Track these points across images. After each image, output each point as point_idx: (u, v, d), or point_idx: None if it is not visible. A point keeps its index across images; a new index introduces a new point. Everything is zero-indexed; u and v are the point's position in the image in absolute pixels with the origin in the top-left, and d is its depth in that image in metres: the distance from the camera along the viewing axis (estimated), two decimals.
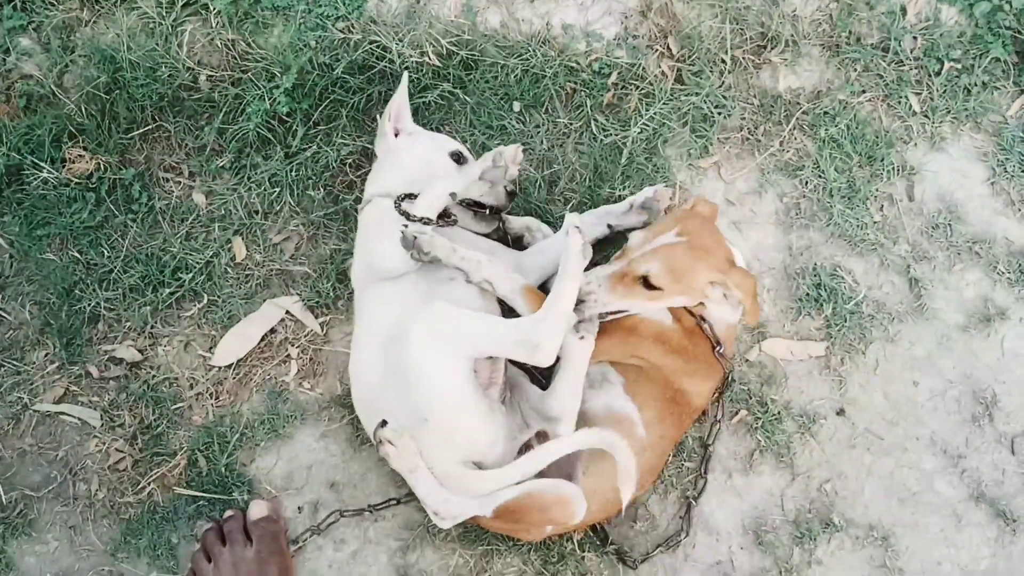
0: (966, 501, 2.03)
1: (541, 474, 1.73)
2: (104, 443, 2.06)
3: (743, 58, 2.29)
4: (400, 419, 1.70)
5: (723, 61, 2.28)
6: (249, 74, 2.22)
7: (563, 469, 1.77)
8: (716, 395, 1.98)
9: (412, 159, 1.98)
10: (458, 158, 2.00)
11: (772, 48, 2.29)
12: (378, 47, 2.22)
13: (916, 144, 2.24)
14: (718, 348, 1.86)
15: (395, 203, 1.85)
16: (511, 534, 1.87)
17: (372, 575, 1.99)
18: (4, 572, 1.99)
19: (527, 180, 2.21)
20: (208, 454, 2.05)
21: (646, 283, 1.72)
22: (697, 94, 2.24)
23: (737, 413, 2.08)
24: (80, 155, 2.18)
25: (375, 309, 1.84)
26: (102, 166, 2.18)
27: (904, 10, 2.31)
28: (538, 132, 2.24)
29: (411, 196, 1.87)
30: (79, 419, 2.08)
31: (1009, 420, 2.07)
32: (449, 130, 2.23)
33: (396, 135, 2.01)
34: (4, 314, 2.16)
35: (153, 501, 2.02)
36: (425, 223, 1.80)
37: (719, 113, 2.23)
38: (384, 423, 1.68)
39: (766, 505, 2.03)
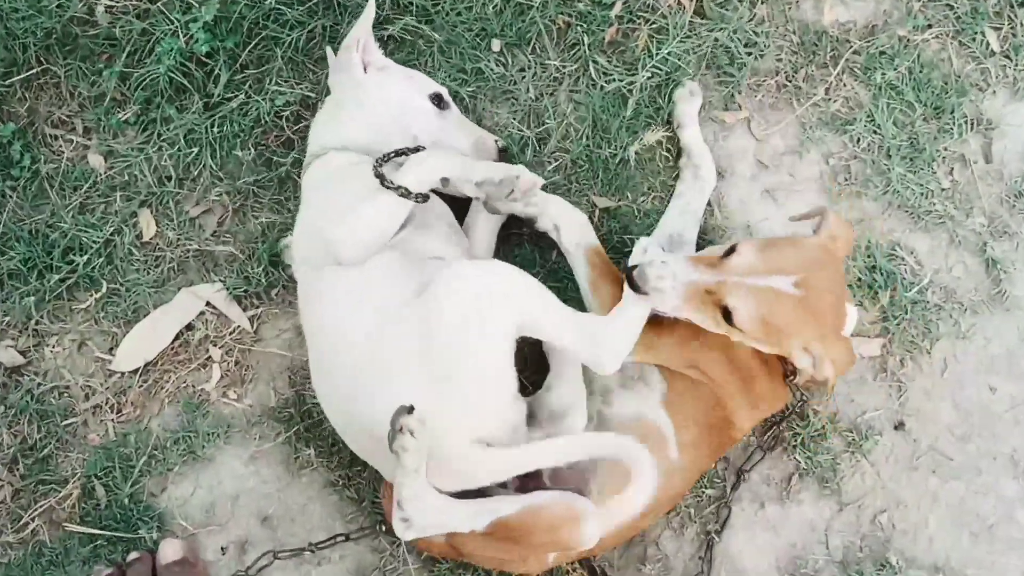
0: None
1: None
2: None
3: None
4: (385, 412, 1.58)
5: None
6: (159, 4, 2.07)
7: (572, 484, 1.71)
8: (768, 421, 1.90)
9: (382, 101, 1.86)
10: (439, 101, 1.91)
11: None
12: None
13: (995, 92, 2.11)
14: (791, 378, 1.76)
15: (374, 165, 1.70)
16: (503, 566, 1.77)
17: None
18: None
19: (509, 138, 2.07)
20: (108, 482, 1.95)
21: (726, 314, 1.61)
22: (722, 29, 2.10)
23: (771, 429, 1.96)
24: None
25: (339, 299, 1.69)
26: None
27: None
28: (523, 78, 2.10)
29: (388, 157, 1.75)
30: None
31: None
32: (415, 66, 2.07)
33: (364, 69, 1.87)
34: None
35: (39, 540, 1.92)
36: (402, 194, 1.67)
37: (749, 53, 2.09)
38: (411, 408, 1.55)
39: (807, 541, 1.94)
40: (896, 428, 1.97)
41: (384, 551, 1.91)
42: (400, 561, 1.90)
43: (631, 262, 1.72)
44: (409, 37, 2.07)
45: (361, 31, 1.87)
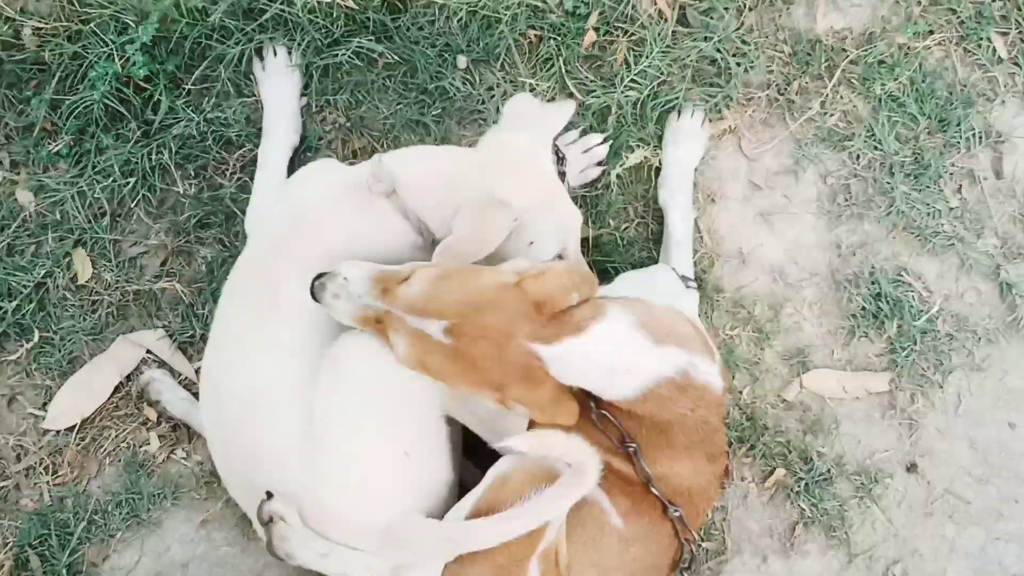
0: None
1: None
2: None
3: None
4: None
5: None
6: (92, 25, 2.08)
7: None
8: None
9: None
10: None
11: None
12: None
13: (1004, 102, 2.15)
14: (671, 509, 1.72)
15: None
16: None
17: None
18: None
19: None
20: (43, 551, 1.95)
21: None
22: (707, 39, 2.12)
23: (772, 472, 1.99)
24: None
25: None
26: None
27: None
28: (492, 97, 2.12)
29: None
30: None
31: None
32: (366, 99, 2.12)
33: None
34: None
35: None
36: None
37: (737, 64, 2.12)
38: (269, 495, 1.62)
39: None
40: (908, 470, 1.99)
41: None
42: None
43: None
44: (364, 59, 2.09)
45: None
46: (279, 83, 2.07)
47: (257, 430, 1.68)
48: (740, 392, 2.03)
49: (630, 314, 1.62)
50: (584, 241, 2.07)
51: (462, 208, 1.71)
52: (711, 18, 2.13)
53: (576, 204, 2.04)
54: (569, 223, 1.81)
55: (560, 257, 1.81)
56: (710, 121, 2.12)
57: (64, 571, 1.92)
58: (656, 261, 2.06)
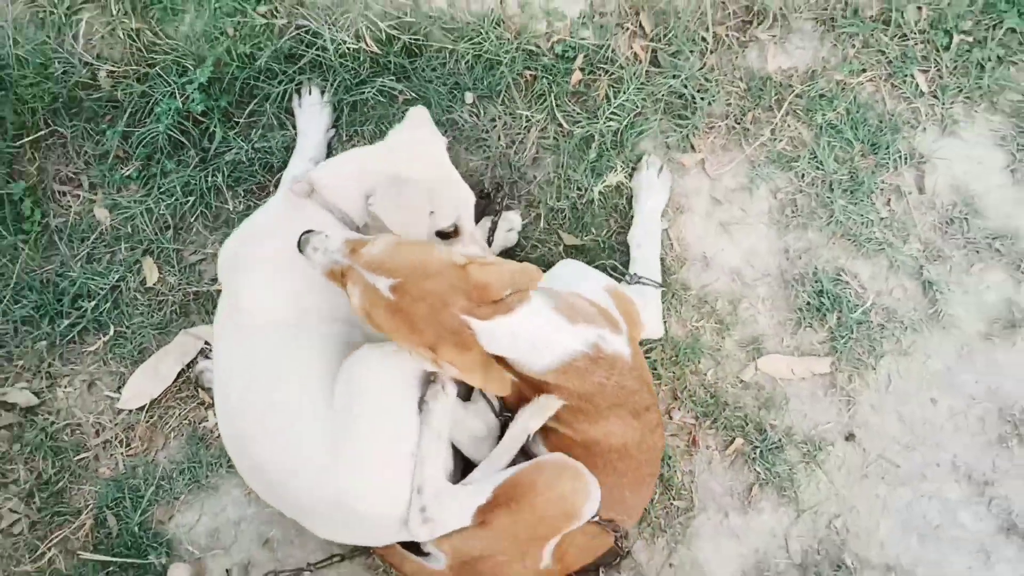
0: (995, 534, 2.03)
1: None
2: None
3: (726, 36, 2.29)
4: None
5: (703, 39, 2.27)
6: (157, 68, 2.20)
7: None
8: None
9: None
10: None
11: (759, 23, 2.29)
12: (307, 33, 2.20)
13: (925, 129, 2.25)
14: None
15: None
16: (515, 533, 1.76)
17: None
18: None
19: (481, 183, 2.19)
20: (119, 511, 2.03)
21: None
22: (675, 77, 2.24)
23: (732, 442, 2.08)
24: None
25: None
26: None
27: None
28: (494, 127, 2.23)
29: None
30: None
31: None
32: (391, 127, 2.17)
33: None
34: None
35: (55, 569, 1.99)
36: None
37: (701, 98, 2.23)
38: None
39: (768, 547, 2.03)
40: (847, 439, 2.07)
41: (378, 568, 2.01)
42: None
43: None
44: (387, 96, 2.20)
45: None
46: (312, 117, 2.18)
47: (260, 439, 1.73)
48: (705, 374, 2.13)
49: (549, 299, 1.72)
50: (572, 247, 2.20)
51: (377, 191, 1.81)
52: (678, 59, 2.25)
53: (566, 217, 2.19)
54: (463, 200, 1.93)
55: (455, 228, 1.91)
56: (683, 151, 2.22)
57: (136, 528, 2.00)
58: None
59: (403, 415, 1.73)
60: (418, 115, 1.94)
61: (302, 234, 1.67)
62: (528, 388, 1.78)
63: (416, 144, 1.91)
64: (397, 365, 1.72)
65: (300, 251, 1.66)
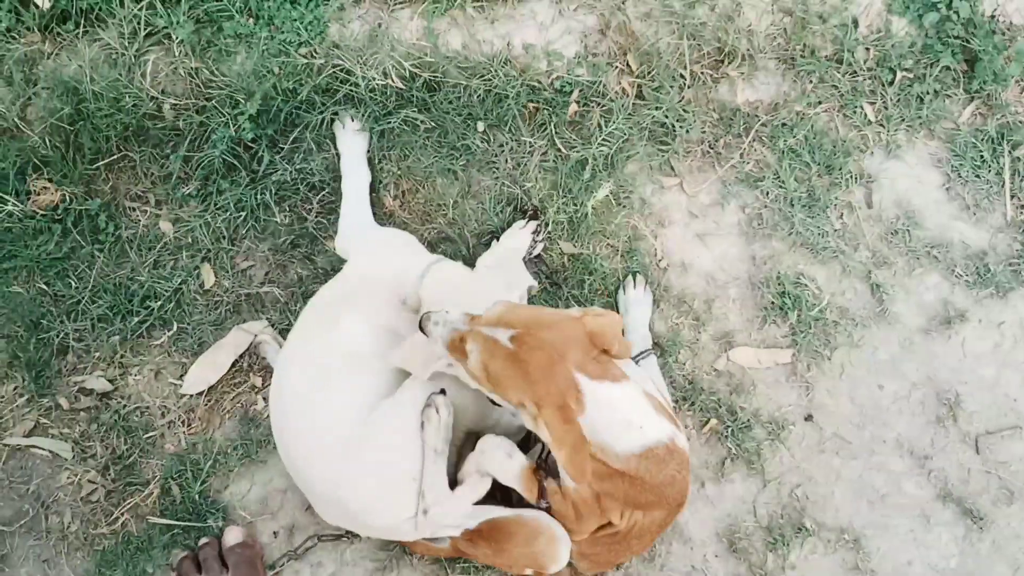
0: (934, 501, 2.10)
1: None
2: (76, 475, 2.09)
3: (701, 73, 2.36)
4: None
5: (682, 76, 2.35)
6: (213, 102, 2.26)
7: None
8: None
9: None
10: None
11: (729, 62, 2.37)
12: (341, 71, 2.28)
13: (873, 152, 2.32)
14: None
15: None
16: (491, 561, 1.84)
17: None
18: None
19: (490, 199, 2.26)
20: (181, 482, 2.08)
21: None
22: (658, 108, 2.31)
23: (707, 422, 2.14)
24: (45, 187, 2.21)
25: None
26: (68, 197, 2.22)
27: (856, 22, 2.40)
28: (502, 151, 2.29)
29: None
30: (50, 451, 2.11)
31: (972, 420, 2.15)
32: (411, 154, 2.28)
33: None
34: None
35: (127, 531, 2.05)
36: None
37: (680, 127, 2.30)
38: (443, 391, 1.67)
39: (739, 512, 2.09)
40: (806, 419, 2.13)
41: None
42: None
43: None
44: (409, 125, 2.26)
45: None
46: (354, 140, 2.23)
47: (307, 426, 1.75)
48: (684, 364, 2.19)
49: (638, 384, 1.60)
50: (570, 256, 2.26)
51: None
52: (660, 93, 2.32)
53: (564, 229, 2.26)
54: (520, 283, 2.02)
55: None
56: (663, 173, 2.29)
57: (196, 496, 2.05)
58: (621, 273, 2.23)
59: (409, 443, 1.72)
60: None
61: (422, 314, 1.60)
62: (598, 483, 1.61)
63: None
64: (413, 401, 1.71)
65: (421, 330, 1.57)
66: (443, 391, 1.70)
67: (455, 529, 1.76)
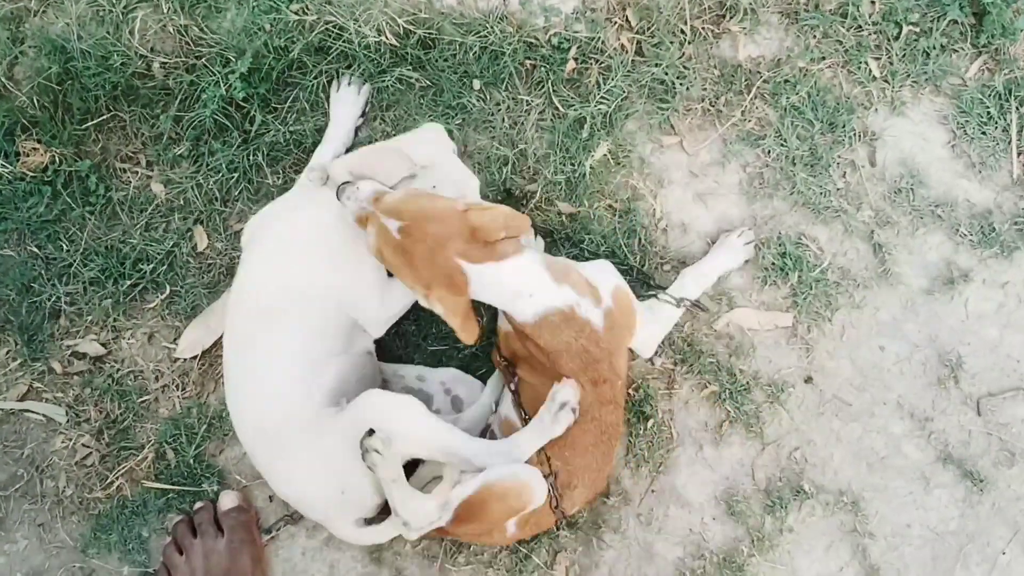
0: (934, 463, 1.90)
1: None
2: (70, 439, 1.91)
3: (702, 28, 2.11)
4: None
5: (682, 32, 2.09)
6: (203, 60, 2.03)
7: None
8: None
9: None
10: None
11: (731, 17, 2.10)
12: (334, 28, 2.03)
13: (877, 110, 2.08)
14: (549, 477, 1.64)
15: None
16: (476, 539, 1.74)
17: (345, 561, 1.85)
18: None
19: (490, 159, 2.04)
20: (176, 446, 1.90)
21: None
22: (658, 65, 2.06)
23: (707, 385, 1.95)
24: (34, 148, 2.00)
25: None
26: (57, 159, 1.99)
27: None
28: (499, 110, 2.06)
29: None
30: (44, 416, 1.92)
31: (974, 382, 1.93)
32: (407, 113, 2.05)
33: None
34: None
35: (122, 496, 1.88)
36: None
37: (680, 84, 2.05)
38: (371, 432, 1.55)
39: (737, 475, 1.90)
40: (806, 382, 1.93)
41: None
42: None
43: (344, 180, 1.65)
44: (404, 84, 2.04)
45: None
46: (346, 105, 2.00)
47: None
48: (682, 326, 1.98)
49: (541, 258, 1.60)
50: (568, 215, 2.05)
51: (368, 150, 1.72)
52: (660, 50, 2.08)
53: (562, 189, 2.03)
54: (466, 184, 1.79)
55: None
56: (663, 132, 2.06)
57: (192, 460, 1.88)
58: (617, 234, 2.01)
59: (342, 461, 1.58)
60: (431, 128, 1.83)
61: (339, 185, 1.59)
62: (518, 341, 1.64)
63: (423, 143, 1.78)
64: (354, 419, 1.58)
65: (337, 198, 1.60)
66: (371, 431, 1.54)
67: (438, 523, 1.59)
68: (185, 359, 1.95)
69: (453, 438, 1.59)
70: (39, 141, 1.99)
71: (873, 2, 2.11)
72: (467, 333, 1.55)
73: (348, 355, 1.71)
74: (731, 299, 2.00)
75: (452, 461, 1.59)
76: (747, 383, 1.93)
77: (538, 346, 1.59)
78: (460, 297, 1.53)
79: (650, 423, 1.92)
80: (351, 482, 1.58)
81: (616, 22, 2.09)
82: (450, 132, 2.02)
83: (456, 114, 2.05)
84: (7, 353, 1.94)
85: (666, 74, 2.06)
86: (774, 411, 1.92)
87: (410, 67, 2.05)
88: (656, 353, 1.93)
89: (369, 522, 1.66)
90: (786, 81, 2.07)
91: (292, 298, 1.64)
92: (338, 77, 2.02)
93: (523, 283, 1.57)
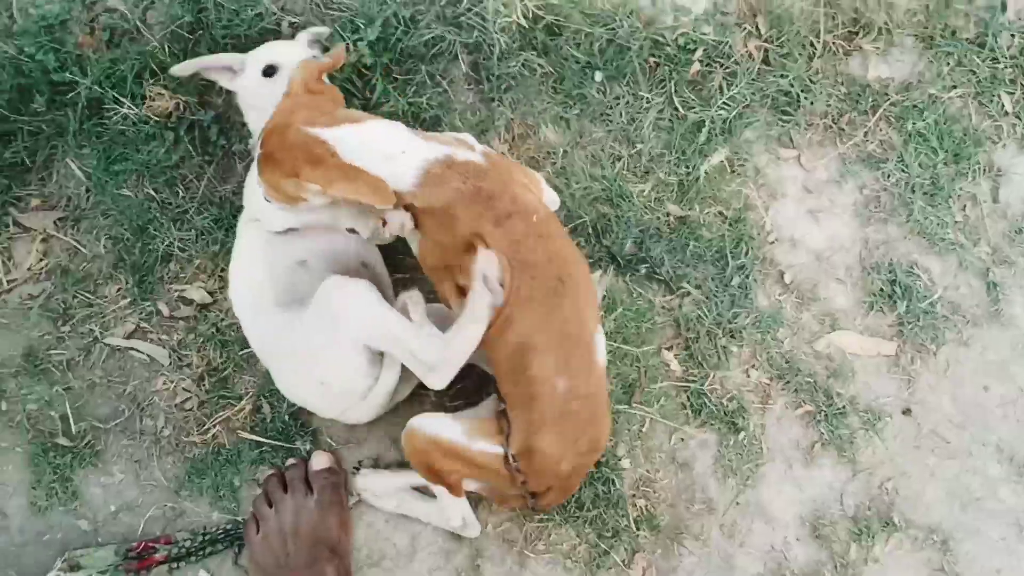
0: None
1: None
2: (172, 382, 1.84)
3: (833, 43, 1.98)
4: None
5: (812, 45, 1.96)
6: (336, 24, 1.93)
7: None
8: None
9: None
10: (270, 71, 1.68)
11: (864, 35, 1.97)
12: (459, 3, 1.94)
13: (1005, 145, 1.94)
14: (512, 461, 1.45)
15: None
16: (560, 486, 1.55)
17: (427, 534, 1.78)
18: (70, 500, 1.80)
19: (604, 151, 1.94)
20: (273, 401, 1.82)
21: None
22: (784, 76, 1.94)
23: (802, 403, 1.84)
24: (160, 93, 1.93)
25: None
26: (181, 106, 1.91)
27: (1004, 6, 1.98)
28: (618, 104, 1.95)
29: None
30: (148, 356, 1.86)
31: None
32: (525, 97, 1.95)
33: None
34: (80, 246, 1.93)
35: (218, 443, 1.81)
36: None
37: (805, 98, 1.93)
38: (357, 468, 1.60)
39: (825, 498, 1.79)
40: (904, 413, 1.82)
41: None
42: None
43: None
44: (528, 69, 1.95)
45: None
46: None
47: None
48: (782, 342, 1.86)
49: (402, 125, 1.43)
50: (678, 218, 1.95)
51: None
52: (788, 61, 1.95)
53: (673, 190, 1.93)
54: None
55: None
56: (782, 145, 1.95)
57: (287, 417, 1.81)
58: (725, 242, 1.89)
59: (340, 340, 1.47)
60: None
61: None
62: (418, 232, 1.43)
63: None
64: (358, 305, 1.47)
65: None
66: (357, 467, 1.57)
67: (470, 348, 1.41)
68: None
69: (400, 326, 1.44)
70: (166, 87, 1.91)
71: (1013, 35, 1.97)
72: (369, 190, 1.31)
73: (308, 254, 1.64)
74: (835, 320, 1.88)
75: (396, 352, 1.45)
76: (843, 407, 1.81)
77: (432, 213, 1.37)
78: (327, 162, 1.31)
79: (741, 435, 1.81)
80: (330, 371, 1.49)
81: (745, 28, 1.98)
82: (567, 122, 1.92)
83: (575, 104, 1.95)
84: (118, 290, 1.89)
85: (791, 86, 1.93)
86: (869, 438, 1.81)
87: (535, 52, 1.94)
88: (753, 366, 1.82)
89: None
90: (914, 106, 1.94)
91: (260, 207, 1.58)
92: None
93: (391, 141, 1.37)
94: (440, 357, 1.40)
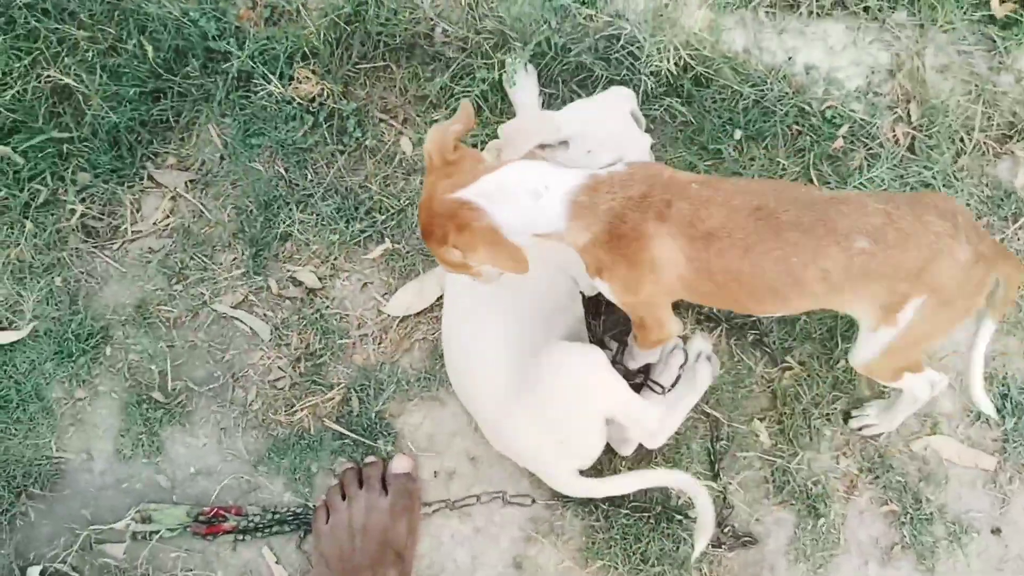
0: None
1: None
2: (268, 358, 1.85)
3: (984, 142, 1.89)
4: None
5: (963, 140, 1.89)
6: (483, 37, 1.91)
7: None
8: None
9: None
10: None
11: (1019, 139, 1.88)
12: (623, 39, 1.89)
13: None
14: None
15: None
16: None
17: (490, 555, 1.75)
18: (154, 454, 1.81)
19: None
20: (362, 396, 1.82)
21: None
22: (928, 168, 1.86)
23: (888, 501, 1.77)
24: (308, 77, 1.94)
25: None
26: (325, 92, 1.92)
27: None
28: (752, 165, 1.90)
29: None
30: (251, 328, 1.87)
31: None
32: (659, 143, 1.90)
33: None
34: (205, 210, 1.94)
35: (302, 427, 1.81)
36: None
37: (946, 192, 1.84)
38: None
39: None
40: (993, 532, 1.74)
41: (556, 509, 1.78)
42: (566, 521, 1.76)
43: None
44: (669, 115, 1.91)
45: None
46: (527, 89, 1.86)
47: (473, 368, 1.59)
48: (878, 436, 1.81)
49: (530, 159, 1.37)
50: None
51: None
52: (934, 152, 1.88)
53: None
54: (635, 143, 1.65)
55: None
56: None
57: (373, 415, 1.80)
58: (837, 321, 1.82)
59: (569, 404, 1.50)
60: (613, 91, 1.71)
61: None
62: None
63: (598, 107, 1.68)
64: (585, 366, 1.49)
65: None
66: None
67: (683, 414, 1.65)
68: (390, 316, 1.86)
69: (630, 397, 1.52)
70: (313, 72, 1.93)
71: None
72: (509, 260, 1.24)
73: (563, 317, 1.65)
74: (936, 423, 1.81)
75: (625, 420, 1.53)
76: (931, 513, 1.74)
77: (598, 245, 1.29)
78: (470, 227, 1.24)
79: (820, 521, 1.74)
80: (569, 431, 1.52)
81: (896, 112, 1.90)
82: (698, 173, 1.86)
83: (708, 156, 1.90)
84: (234, 260, 1.89)
85: (934, 179, 1.86)
86: (952, 551, 1.73)
87: (678, 99, 1.90)
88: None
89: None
90: None
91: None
92: (504, 67, 1.85)
93: (531, 179, 1.28)
94: (662, 426, 1.59)
